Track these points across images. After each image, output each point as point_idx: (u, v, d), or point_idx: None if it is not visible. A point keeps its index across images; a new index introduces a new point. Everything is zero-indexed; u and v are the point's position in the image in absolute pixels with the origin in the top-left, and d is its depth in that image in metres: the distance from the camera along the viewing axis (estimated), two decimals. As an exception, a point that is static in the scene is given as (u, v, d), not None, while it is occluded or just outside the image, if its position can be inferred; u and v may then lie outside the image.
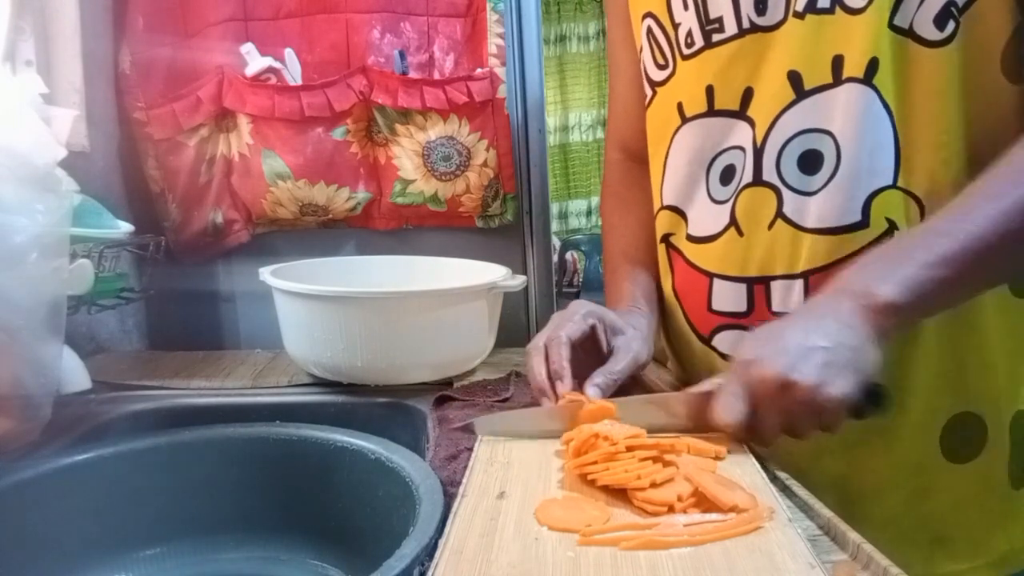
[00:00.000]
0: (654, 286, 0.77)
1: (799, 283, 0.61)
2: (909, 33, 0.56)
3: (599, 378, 0.63)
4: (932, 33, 0.55)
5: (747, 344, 0.55)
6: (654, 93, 0.72)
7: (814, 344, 0.50)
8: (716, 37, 0.64)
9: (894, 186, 0.58)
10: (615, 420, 0.56)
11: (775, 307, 0.63)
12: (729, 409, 0.53)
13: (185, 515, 0.69)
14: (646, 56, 0.72)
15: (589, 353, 0.65)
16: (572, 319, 0.65)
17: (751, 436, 0.54)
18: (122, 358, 0.98)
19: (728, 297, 0.65)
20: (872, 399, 0.54)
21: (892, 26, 0.56)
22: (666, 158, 0.71)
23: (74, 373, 0.79)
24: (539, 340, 0.65)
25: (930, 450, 0.62)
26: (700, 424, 0.57)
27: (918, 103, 0.57)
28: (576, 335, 0.64)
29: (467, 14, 1.07)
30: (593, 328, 0.66)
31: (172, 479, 0.68)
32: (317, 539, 0.69)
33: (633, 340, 0.66)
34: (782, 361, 0.50)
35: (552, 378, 0.63)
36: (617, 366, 0.64)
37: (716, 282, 0.66)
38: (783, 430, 0.53)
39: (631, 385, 0.68)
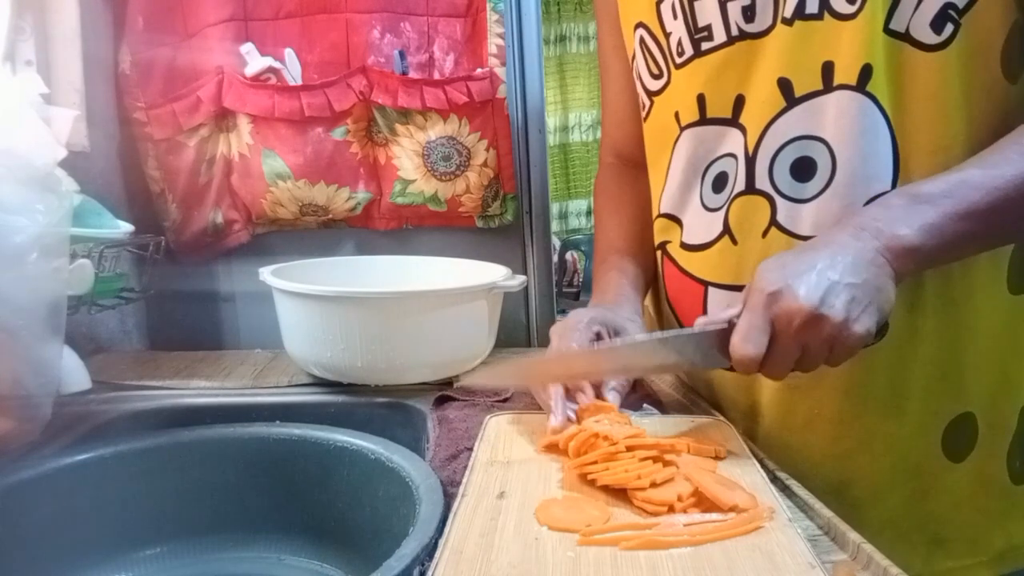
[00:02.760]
0: (643, 272, 0.76)
1: None
2: (906, 37, 0.55)
3: (614, 382, 0.62)
4: (929, 37, 0.55)
5: (770, 274, 0.53)
6: (652, 103, 0.72)
7: (842, 279, 0.50)
8: (705, 45, 0.63)
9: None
10: (604, 416, 0.56)
11: None
12: (751, 340, 0.51)
13: (185, 515, 0.69)
14: (641, 66, 0.72)
15: None
16: (577, 328, 0.65)
17: (762, 369, 0.53)
18: (122, 358, 0.98)
19: (723, 305, 0.65)
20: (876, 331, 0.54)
21: (888, 31, 0.55)
22: (669, 167, 0.71)
23: (74, 373, 0.79)
24: (548, 357, 0.65)
25: (931, 452, 0.62)
26: (715, 360, 0.55)
27: (915, 107, 0.56)
28: (584, 344, 0.64)
29: (467, 14, 1.07)
30: (599, 335, 0.66)
31: (172, 479, 0.68)
32: (317, 539, 0.69)
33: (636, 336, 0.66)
34: (812, 294, 0.50)
35: (573, 392, 0.62)
36: None
37: (711, 291, 0.66)
38: (795, 364, 0.52)
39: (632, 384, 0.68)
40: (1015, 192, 0.51)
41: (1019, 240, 0.59)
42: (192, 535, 0.69)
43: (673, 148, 0.69)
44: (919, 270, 0.55)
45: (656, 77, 0.70)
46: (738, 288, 0.64)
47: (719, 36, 0.62)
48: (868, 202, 0.58)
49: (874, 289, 0.51)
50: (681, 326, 0.71)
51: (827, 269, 0.51)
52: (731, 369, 0.54)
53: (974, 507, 0.63)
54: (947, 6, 0.54)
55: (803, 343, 0.51)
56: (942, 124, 0.56)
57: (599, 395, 0.62)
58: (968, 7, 0.54)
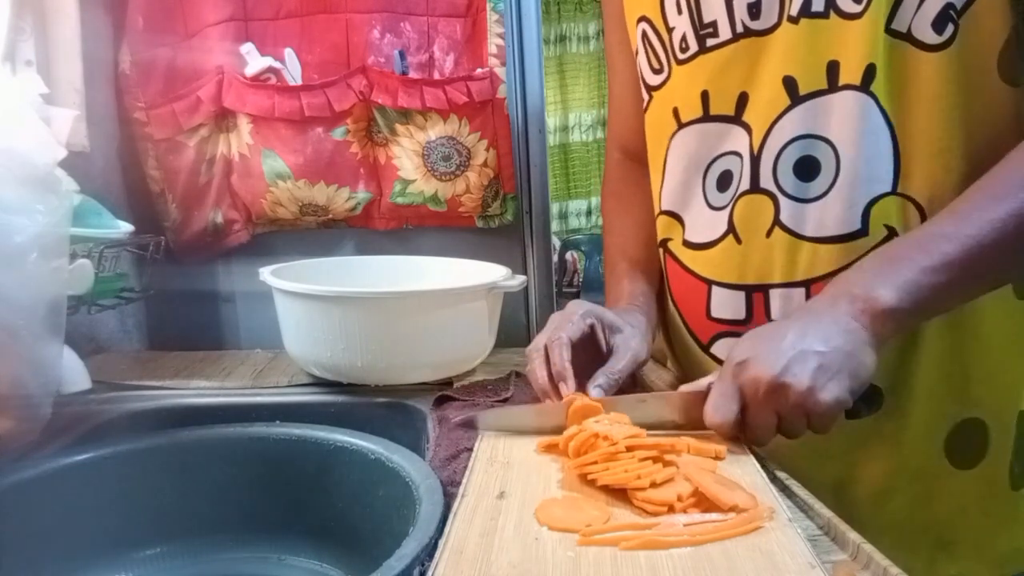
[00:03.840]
0: (653, 283, 0.77)
1: (799, 291, 0.61)
2: (907, 37, 0.55)
3: (601, 379, 0.63)
4: (931, 37, 0.55)
5: (742, 344, 0.55)
6: (651, 97, 0.72)
7: (809, 347, 0.50)
8: (710, 42, 0.63)
9: (894, 192, 0.57)
10: (604, 416, 0.56)
11: (774, 315, 0.62)
12: (720, 409, 0.53)
13: (185, 515, 0.69)
14: (642, 60, 0.72)
15: (589, 353, 0.65)
16: (571, 320, 0.65)
17: (744, 436, 0.54)
18: (122, 358, 0.98)
19: (727, 304, 0.65)
20: (866, 401, 0.54)
21: (890, 30, 0.55)
22: (665, 163, 0.71)
23: (74, 373, 0.79)
24: (539, 342, 0.65)
25: (934, 456, 0.61)
26: (693, 422, 0.57)
27: (917, 108, 0.56)
28: (576, 336, 0.64)
29: (467, 14, 1.07)
30: (592, 328, 0.66)
31: (172, 479, 0.68)
32: (317, 539, 0.69)
33: (632, 338, 0.66)
34: (776, 363, 0.50)
35: (555, 380, 0.62)
36: (618, 365, 0.64)
37: (715, 289, 0.66)
38: (776, 430, 0.53)
39: (630, 385, 0.68)
40: (986, 239, 0.51)
41: (1001, 285, 0.58)
42: (192, 535, 0.69)
43: (669, 144, 0.69)
44: (902, 330, 0.55)
45: (657, 72, 0.70)
46: (741, 287, 0.64)
47: (724, 33, 0.62)
48: (870, 204, 0.58)
49: (844, 356, 0.50)
50: (686, 325, 0.71)
51: (795, 338, 0.51)
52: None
53: (980, 512, 0.63)
54: (948, 6, 0.54)
55: (774, 411, 0.52)
56: (942, 126, 0.56)
57: (582, 388, 0.62)
58: (966, 7, 0.54)
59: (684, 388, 0.58)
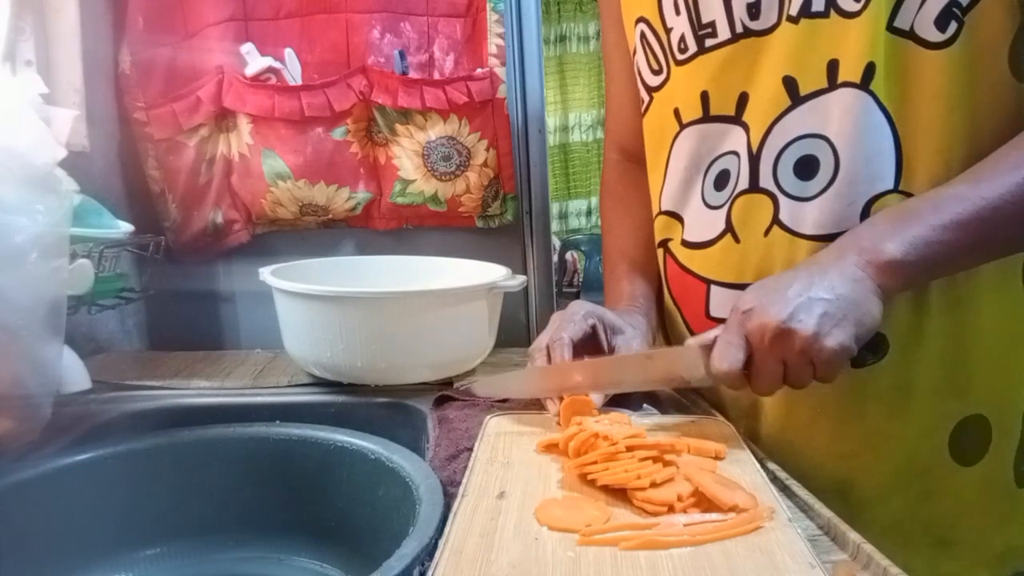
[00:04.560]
0: (652, 285, 0.77)
1: None
2: (910, 35, 0.55)
3: None
4: (933, 35, 0.55)
5: (748, 294, 0.55)
6: (651, 99, 0.72)
7: (815, 295, 0.51)
8: (709, 42, 0.63)
9: (895, 190, 0.57)
10: (595, 413, 0.58)
11: None
12: (726, 357, 0.53)
13: (185, 515, 0.69)
14: (641, 62, 0.72)
15: (590, 353, 0.65)
16: (573, 320, 0.65)
17: (750, 385, 0.54)
18: (122, 358, 0.98)
19: (726, 304, 0.65)
20: (871, 348, 0.54)
21: (892, 28, 0.55)
22: (667, 164, 0.71)
23: (74, 373, 0.79)
24: (541, 342, 0.65)
25: (937, 454, 0.61)
26: (701, 376, 0.57)
27: (918, 106, 0.56)
28: (578, 336, 0.64)
29: (467, 14, 1.08)
30: (594, 328, 0.66)
31: (172, 479, 0.68)
32: (317, 539, 0.69)
33: (633, 339, 0.66)
34: (782, 310, 0.51)
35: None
36: None
37: (713, 289, 0.66)
38: (782, 380, 0.53)
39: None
40: (1001, 202, 0.51)
41: (1009, 253, 0.59)
42: (192, 535, 0.69)
43: (672, 145, 0.69)
44: (909, 285, 0.55)
45: (656, 73, 0.70)
46: (740, 286, 0.64)
47: (723, 33, 0.62)
48: (870, 201, 0.58)
49: (851, 304, 0.51)
50: (687, 325, 0.71)
51: (802, 287, 0.52)
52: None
53: (980, 510, 0.63)
54: (951, 4, 0.54)
55: (780, 358, 0.52)
56: (946, 123, 0.56)
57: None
58: (971, 5, 0.54)
59: (690, 341, 0.58)
